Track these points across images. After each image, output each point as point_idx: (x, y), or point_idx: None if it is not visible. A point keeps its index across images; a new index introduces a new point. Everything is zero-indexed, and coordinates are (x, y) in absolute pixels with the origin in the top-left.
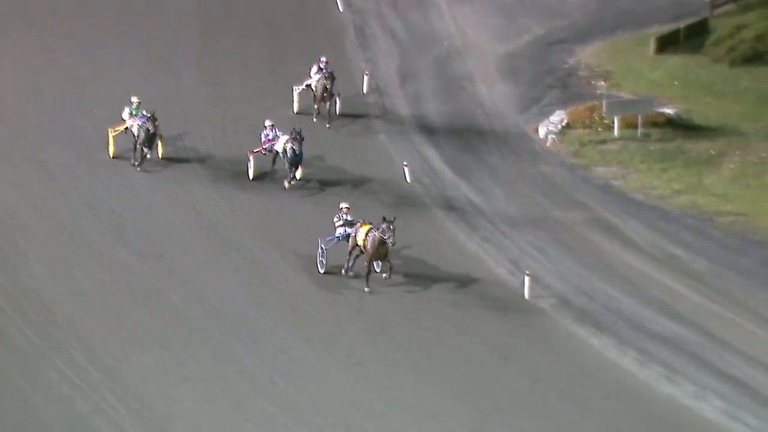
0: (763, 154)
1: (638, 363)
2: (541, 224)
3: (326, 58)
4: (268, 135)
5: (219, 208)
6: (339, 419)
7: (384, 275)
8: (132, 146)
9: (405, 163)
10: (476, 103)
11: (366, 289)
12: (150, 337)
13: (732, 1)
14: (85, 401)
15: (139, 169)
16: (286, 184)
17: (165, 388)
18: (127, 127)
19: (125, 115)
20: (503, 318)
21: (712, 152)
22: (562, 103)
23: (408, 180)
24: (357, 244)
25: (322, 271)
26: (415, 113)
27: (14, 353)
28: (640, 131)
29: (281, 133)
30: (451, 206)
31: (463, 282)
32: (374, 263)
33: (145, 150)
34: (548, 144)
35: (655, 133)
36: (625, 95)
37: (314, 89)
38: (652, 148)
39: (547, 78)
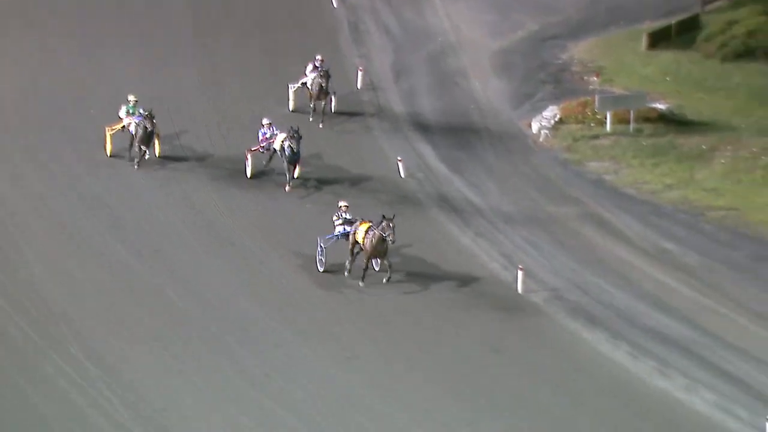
0: (755, 149)
1: (631, 357)
2: (534, 219)
3: (321, 56)
4: (265, 133)
5: (217, 206)
6: (334, 413)
7: (384, 279)
8: (128, 144)
9: (399, 158)
10: (470, 99)
11: (360, 284)
12: (147, 332)
13: None
14: (83, 396)
15: (137, 168)
16: (287, 188)
17: (161, 382)
18: (124, 126)
19: (122, 113)
20: (497, 312)
21: (704, 147)
22: (555, 99)
23: (402, 175)
24: (357, 242)
25: (321, 269)
26: (409, 109)
27: (12, 349)
28: (632, 126)
29: (279, 131)
30: (444, 201)
31: (457, 277)
32: (373, 261)
33: (143, 149)
34: (541, 139)
35: (647, 128)
36: (618, 91)
37: (310, 88)
38: (644, 143)
39: (540, 73)
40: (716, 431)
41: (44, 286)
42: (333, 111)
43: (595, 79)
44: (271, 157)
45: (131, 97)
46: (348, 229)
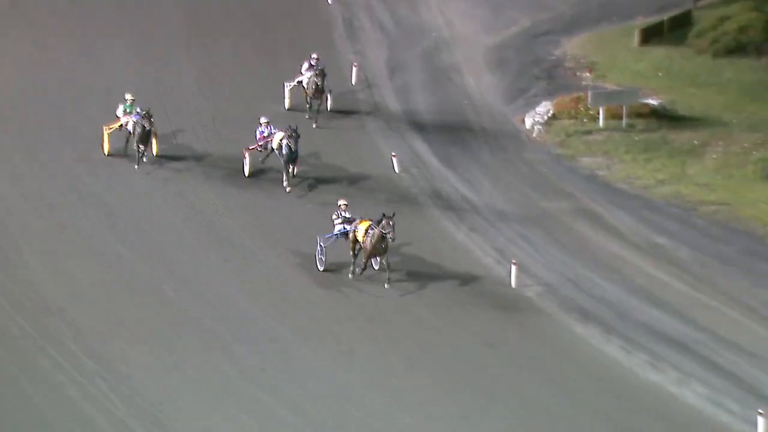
0: (746, 145)
1: (623, 350)
2: (528, 214)
3: (317, 55)
4: (263, 132)
5: (215, 205)
6: (328, 406)
7: (385, 285)
8: (124, 142)
9: (393, 154)
10: (464, 95)
11: (350, 276)
12: (145, 330)
13: None
14: (78, 389)
15: (137, 168)
16: (288, 189)
17: (157, 376)
18: (121, 125)
19: (119, 112)
20: (490, 306)
21: (696, 142)
22: (548, 94)
23: (396, 170)
24: (357, 241)
25: (321, 268)
26: (404, 105)
27: (12, 349)
28: (624, 122)
29: (276, 130)
30: (438, 197)
31: (451, 271)
32: (373, 260)
33: (142, 148)
34: (534, 134)
35: (640, 123)
36: (610, 86)
37: (306, 86)
38: (636, 139)
39: (533, 69)
40: (708, 424)
41: (44, 286)
42: (329, 109)
43: (588, 74)
44: (267, 156)
45: (128, 96)
46: (347, 227)
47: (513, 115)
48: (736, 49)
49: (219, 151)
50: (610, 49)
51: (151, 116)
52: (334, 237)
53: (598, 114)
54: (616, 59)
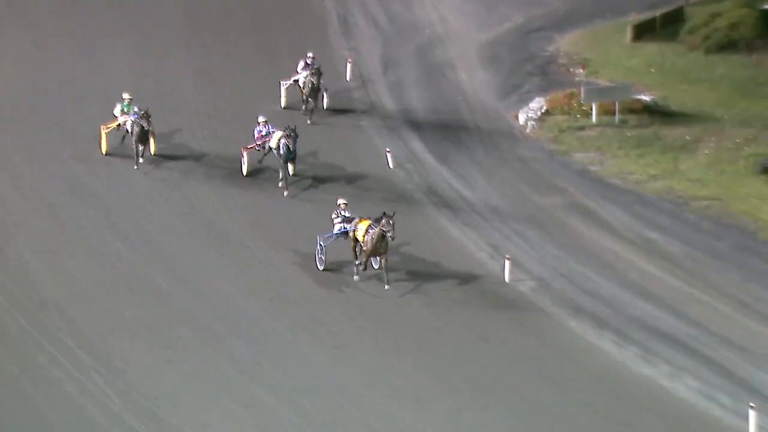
0: (738, 140)
1: (616, 344)
2: (521, 209)
3: (313, 54)
4: (261, 131)
5: (214, 204)
6: (322, 400)
7: (385, 287)
8: (120, 141)
9: (387, 149)
10: (457, 91)
11: (355, 278)
12: (145, 329)
13: None
14: (75, 384)
15: (137, 167)
16: (285, 192)
17: (153, 370)
18: (119, 124)
19: (117, 111)
20: (484, 301)
21: (688, 138)
22: (541, 90)
23: (390, 166)
24: (357, 240)
25: (321, 268)
26: (398, 101)
27: (12, 348)
28: (617, 118)
29: (274, 129)
30: (434, 193)
31: (445, 266)
32: (373, 259)
33: (140, 147)
34: (528, 130)
35: (632, 119)
36: (603, 82)
37: (302, 85)
38: (629, 134)
39: (526, 65)
40: (700, 418)
41: (43, 285)
42: (325, 108)
43: (581, 71)
44: (265, 155)
45: (126, 95)
46: (347, 227)
47: (506, 111)
48: (728, 46)
49: (218, 151)
50: (603, 45)
51: (149, 116)
52: (334, 236)
53: (591, 110)
54: (608, 55)
